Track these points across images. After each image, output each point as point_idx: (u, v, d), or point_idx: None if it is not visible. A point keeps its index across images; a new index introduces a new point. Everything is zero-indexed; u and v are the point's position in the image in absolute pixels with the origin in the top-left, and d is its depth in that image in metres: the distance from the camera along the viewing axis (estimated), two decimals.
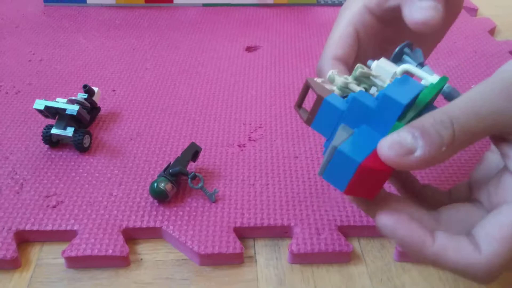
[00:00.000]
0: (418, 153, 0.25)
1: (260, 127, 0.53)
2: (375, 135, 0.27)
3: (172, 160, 0.46)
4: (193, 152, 0.45)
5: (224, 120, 0.54)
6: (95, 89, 0.53)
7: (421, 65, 0.33)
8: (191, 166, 0.47)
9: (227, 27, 0.76)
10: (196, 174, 0.44)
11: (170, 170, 0.43)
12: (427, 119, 0.26)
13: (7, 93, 0.58)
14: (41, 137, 0.49)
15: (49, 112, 0.48)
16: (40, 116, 0.54)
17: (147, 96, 0.58)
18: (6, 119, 0.54)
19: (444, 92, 0.32)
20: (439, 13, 0.29)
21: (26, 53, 0.67)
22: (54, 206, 0.43)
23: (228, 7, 0.81)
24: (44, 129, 0.48)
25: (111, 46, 0.69)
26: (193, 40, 0.71)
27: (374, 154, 0.26)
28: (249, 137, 0.51)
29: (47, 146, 0.50)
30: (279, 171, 0.47)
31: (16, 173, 0.46)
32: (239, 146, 0.50)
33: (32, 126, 0.53)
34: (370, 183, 0.27)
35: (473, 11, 0.83)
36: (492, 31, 0.76)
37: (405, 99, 0.27)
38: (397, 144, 0.25)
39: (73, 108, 0.47)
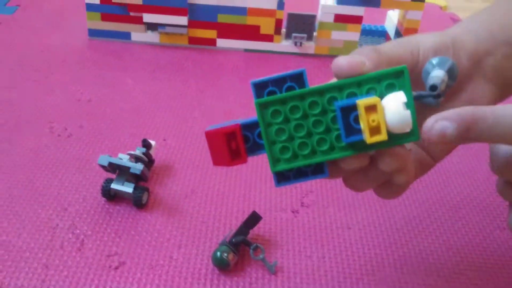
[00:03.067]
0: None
1: (311, 192, 0.54)
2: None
3: (233, 228, 0.47)
4: (254, 221, 0.46)
5: None
6: (152, 142, 0.54)
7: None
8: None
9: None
10: (258, 245, 0.45)
11: (233, 240, 0.44)
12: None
13: (59, 135, 0.59)
14: (100, 190, 0.50)
15: (111, 167, 0.49)
16: (94, 164, 0.54)
17: (198, 148, 0.59)
18: (61, 166, 0.54)
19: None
20: None
21: (74, 91, 0.68)
22: (117, 268, 0.44)
23: (269, 54, 0.83)
24: (104, 183, 0.49)
25: (158, 89, 0.70)
26: (239, 88, 0.72)
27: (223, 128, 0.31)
28: (302, 203, 0.52)
29: (104, 198, 0.50)
30: (334, 243, 0.48)
31: (76, 228, 0.47)
32: (292, 212, 0.51)
33: (87, 175, 0.53)
34: (218, 147, 0.31)
35: None
36: None
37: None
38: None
39: (137, 168, 0.48)
